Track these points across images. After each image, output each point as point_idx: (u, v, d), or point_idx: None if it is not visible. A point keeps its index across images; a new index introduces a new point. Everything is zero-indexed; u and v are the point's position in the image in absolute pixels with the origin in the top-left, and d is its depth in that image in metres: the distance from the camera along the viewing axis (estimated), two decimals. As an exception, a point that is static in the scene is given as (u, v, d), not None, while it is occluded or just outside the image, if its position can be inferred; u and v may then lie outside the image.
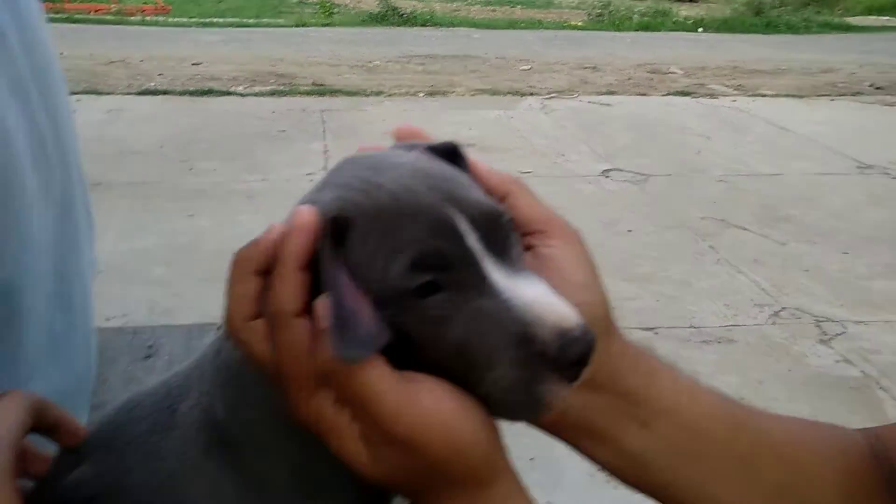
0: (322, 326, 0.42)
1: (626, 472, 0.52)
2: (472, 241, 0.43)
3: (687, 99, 6.99)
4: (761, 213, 4.21)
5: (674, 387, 0.51)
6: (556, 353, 0.40)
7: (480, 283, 0.43)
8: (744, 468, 0.52)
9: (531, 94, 6.94)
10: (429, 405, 0.42)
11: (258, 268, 0.45)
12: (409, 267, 0.42)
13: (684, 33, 11.36)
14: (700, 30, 11.64)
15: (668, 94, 7.12)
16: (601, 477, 2.31)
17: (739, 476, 0.52)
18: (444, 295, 0.43)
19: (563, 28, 11.64)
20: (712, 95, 7.14)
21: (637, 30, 11.52)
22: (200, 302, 2.93)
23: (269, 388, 0.46)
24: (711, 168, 5.00)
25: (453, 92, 7.02)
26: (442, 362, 0.43)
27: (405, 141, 0.54)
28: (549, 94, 6.99)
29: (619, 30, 11.49)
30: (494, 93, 6.98)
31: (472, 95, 6.92)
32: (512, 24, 11.65)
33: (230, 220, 3.82)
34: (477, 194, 0.47)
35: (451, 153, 0.51)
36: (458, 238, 0.43)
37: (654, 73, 8.08)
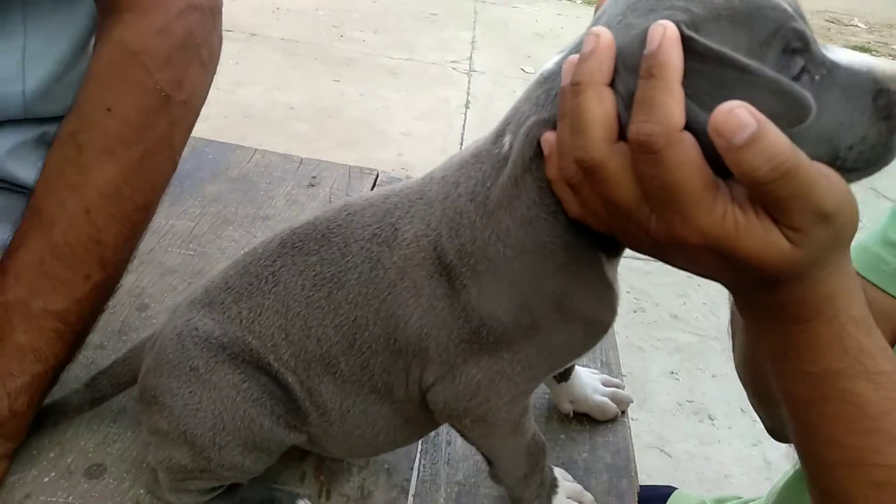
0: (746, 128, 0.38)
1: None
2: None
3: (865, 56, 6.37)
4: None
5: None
6: None
7: (825, 59, 0.44)
8: None
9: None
10: (837, 180, 0.41)
11: (609, 80, 0.42)
12: (782, 53, 0.43)
13: (879, -15, 10.23)
14: (898, -16, 10.44)
15: (845, 48, 6.50)
16: (688, 408, 2.28)
17: None
18: (808, 77, 0.44)
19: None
20: (895, 56, 6.48)
21: (825, -28, 10.46)
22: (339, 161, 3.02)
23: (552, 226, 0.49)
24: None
25: (612, 5, 6.67)
26: (805, 143, 0.42)
27: None
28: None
29: (805, -31, 10.46)
30: (655, 14, 6.59)
31: (632, 12, 6.55)
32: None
33: (372, 93, 3.87)
34: None
35: None
36: (803, 19, 0.44)
37: (833, 22, 7.37)
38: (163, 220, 1.01)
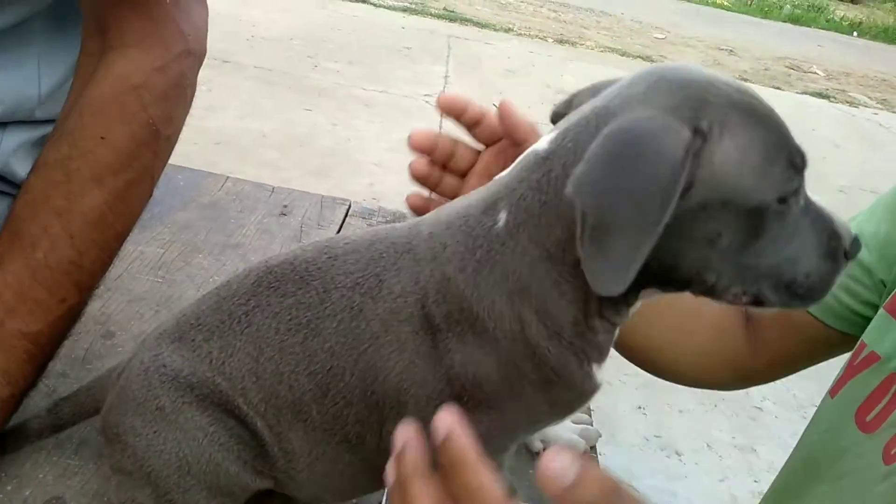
0: None
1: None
2: None
3: (823, 102, 6.60)
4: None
5: None
6: (849, 249, 0.50)
7: (803, 190, 0.48)
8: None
9: (661, 64, 6.68)
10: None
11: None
12: (787, 166, 0.46)
13: (836, 34, 10.64)
14: (855, 34, 10.87)
15: (805, 94, 6.74)
16: (656, 443, 2.29)
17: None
18: (796, 198, 0.47)
19: (708, 5, 11.07)
20: (852, 104, 6.72)
21: (785, 21, 10.86)
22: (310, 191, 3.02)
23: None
24: (835, 177, 4.75)
25: (582, 44, 6.84)
26: (759, 259, 0.47)
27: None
28: (679, 66, 6.71)
29: (766, 17, 10.86)
30: (623, 54, 6.76)
31: (601, 52, 6.72)
32: (655, -11, 11.17)
33: (345, 123, 3.89)
34: None
35: None
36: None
37: (793, 68, 7.64)
38: (131, 246, 0.99)
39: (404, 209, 0.81)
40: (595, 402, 0.90)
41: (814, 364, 0.81)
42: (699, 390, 2.38)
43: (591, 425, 0.81)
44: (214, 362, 0.55)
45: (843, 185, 4.61)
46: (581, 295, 0.49)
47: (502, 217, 0.51)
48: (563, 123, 0.51)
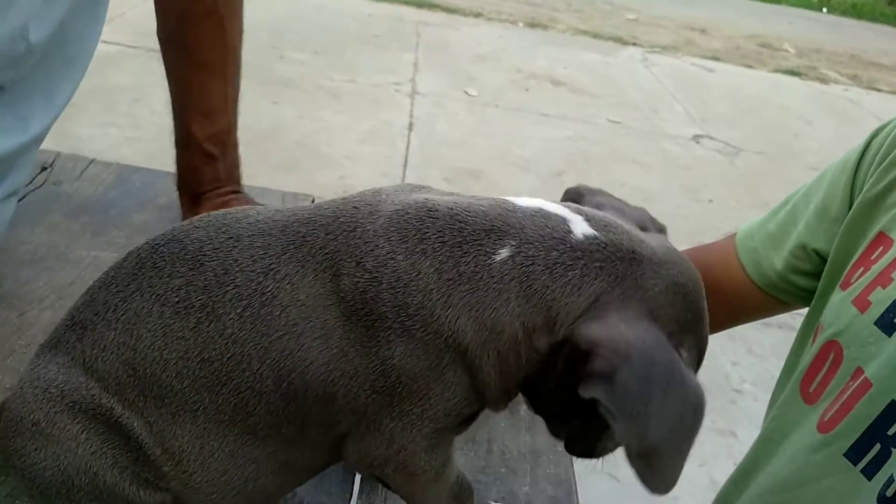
0: None
1: None
2: None
3: (795, 79, 6.64)
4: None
5: None
6: None
7: None
8: None
9: (633, 45, 6.68)
10: None
11: None
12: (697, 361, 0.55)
13: (806, 10, 10.71)
14: (824, 10, 10.94)
15: (776, 71, 6.77)
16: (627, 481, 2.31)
17: None
18: None
19: (678, -16, 11.08)
20: (823, 81, 6.77)
21: (755, -1, 10.92)
22: (275, 187, 2.98)
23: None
24: (806, 154, 4.78)
25: (553, 27, 6.81)
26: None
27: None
28: (651, 48, 6.72)
29: (736, -5, 10.89)
30: (595, 36, 6.75)
31: (572, 35, 6.70)
32: (625, -30, 11.15)
33: (313, 115, 3.83)
34: None
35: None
36: None
37: (764, 46, 7.68)
38: (84, 251, 0.96)
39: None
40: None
41: (746, 322, 0.88)
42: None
43: None
44: (87, 361, 0.52)
45: (814, 162, 4.65)
46: (518, 378, 0.52)
47: (504, 253, 0.50)
48: (599, 228, 0.52)
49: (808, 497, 0.62)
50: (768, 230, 0.78)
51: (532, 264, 0.49)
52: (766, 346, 2.59)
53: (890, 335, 0.59)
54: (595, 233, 0.51)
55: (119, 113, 3.33)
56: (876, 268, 0.63)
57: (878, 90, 6.78)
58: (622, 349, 0.46)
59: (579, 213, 0.52)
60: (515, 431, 0.80)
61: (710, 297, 0.84)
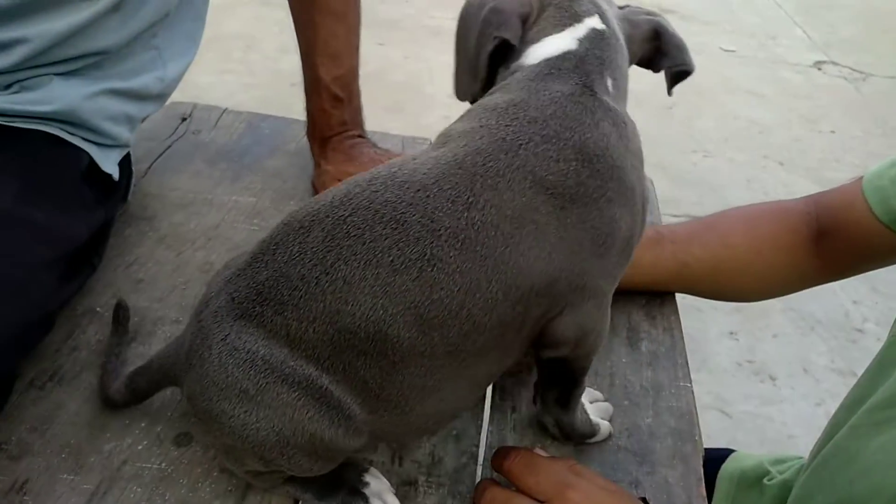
0: None
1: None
2: None
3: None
4: None
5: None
6: None
7: None
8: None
9: (749, -35, 6.22)
10: None
11: None
12: None
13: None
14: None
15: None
16: (749, 368, 2.24)
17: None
18: None
19: None
20: None
21: None
22: (384, 129, 3.04)
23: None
24: None
25: (661, -48, 6.43)
26: None
27: None
28: (769, -33, 6.23)
29: None
30: (706, -42, 6.33)
31: (681, -42, 6.31)
32: None
33: (417, 55, 3.84)
34: None
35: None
36: None
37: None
38: (226, 196, 1.04)
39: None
40: (685, 328, 0.89)
41: (883, 266, 0.85)
42: (794, 314, 2.32)
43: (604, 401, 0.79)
44: (293, 334, 0.54)
45: None
46: None
47: (609, 83, 0.61)
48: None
49: None
50: None
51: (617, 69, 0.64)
52: (892, 283, 2.46)
53: None
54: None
55: (234, 60, 3.45)
56: None
57: None
58: None
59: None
60: (637, 366, 0.83)
61: (835, 241, 0.84)
